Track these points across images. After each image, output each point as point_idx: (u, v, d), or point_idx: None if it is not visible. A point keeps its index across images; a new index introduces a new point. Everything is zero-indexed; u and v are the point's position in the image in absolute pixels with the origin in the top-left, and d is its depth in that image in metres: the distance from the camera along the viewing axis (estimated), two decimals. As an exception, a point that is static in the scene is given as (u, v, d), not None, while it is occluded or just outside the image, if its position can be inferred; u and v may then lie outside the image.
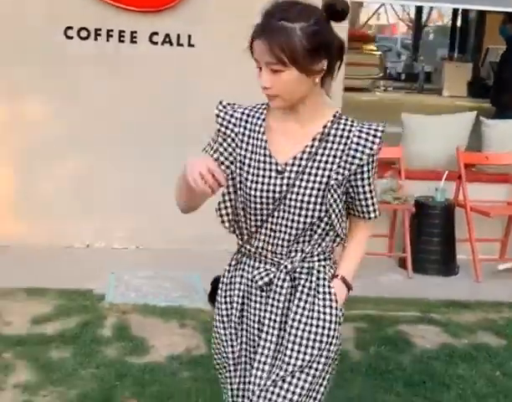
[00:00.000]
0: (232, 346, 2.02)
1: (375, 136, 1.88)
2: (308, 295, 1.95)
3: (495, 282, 4.95)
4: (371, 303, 4.39)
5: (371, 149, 1.87)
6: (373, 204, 1.97)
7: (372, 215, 1.98)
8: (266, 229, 1.93)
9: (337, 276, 2.00)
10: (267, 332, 1.94)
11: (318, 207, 1.87)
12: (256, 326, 1.98)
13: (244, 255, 2.00)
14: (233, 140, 1.93)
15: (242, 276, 2.00)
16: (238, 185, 1.92)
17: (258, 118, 1.94)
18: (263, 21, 1.81)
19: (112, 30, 4.84)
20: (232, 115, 1.94)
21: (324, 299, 1.96)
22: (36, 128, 4.88)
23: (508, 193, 5.43)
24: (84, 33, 4.82)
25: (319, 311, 1.95)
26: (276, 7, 1.81)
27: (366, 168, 1.89)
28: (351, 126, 1.89)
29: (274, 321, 1.94)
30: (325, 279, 1.97)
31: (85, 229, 5.04)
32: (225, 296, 2.02)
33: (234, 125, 1.94)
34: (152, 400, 3.24)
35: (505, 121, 5.74)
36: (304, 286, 1.95)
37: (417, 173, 5.30)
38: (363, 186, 1.91)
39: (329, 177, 1.87)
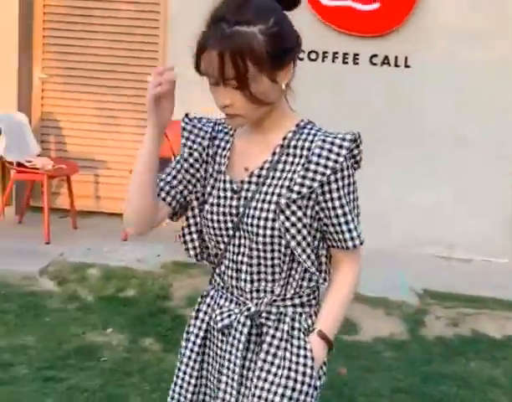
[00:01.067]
0: (187, 390, 1.76)
1: (340, 146, 1.58)
2: (277, 348, 1.64)
3: None
4: None
5: (336, 162, 1.57)
6: (350, 230, 1.61)
7: (350, 244, 1.62)
8: (228, 259, 1.67)
9: (313, 330, 1.66)
10: (226, 383, 1.67)
11: (276, 232, 1.59)
12: (216, 374, 1.72)
13: (213, 287, 1.76)
14: (200, 155, 1.70)
15: (205, 313, 1.75)
16: (203, 212, 1.69)
17: (227, 132, 1.72)
18: (212, 28, 1.52)
19: (337, 53, 5.51)
20: (200, 129, 1.73)
21: (297, 355, 1.63)
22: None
23: None
24: (313, 56, 5.54)
25: (289, 370, 1.62)
26: (226, 8, 1.51)
27: (334, 186, 1.58)
28: (314, 135, 1.61)
29: (233, 371, 1.65)
30: (300, 330, 1.65)
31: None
32: (187, 331, 1.79)
33: (203, 138, 1.71)
34: (359, 371, 3.83)
35: None
36: (272, 337, 1.65)
37: None
38: (334, 208, 1.59)
39: (287, 202, 1.58)
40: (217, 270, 1.73)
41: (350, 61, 5.51)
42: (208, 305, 1.77)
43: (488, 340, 4.27)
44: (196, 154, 1.72)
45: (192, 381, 1.75)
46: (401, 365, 3.93)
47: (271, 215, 1.59)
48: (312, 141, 1.61)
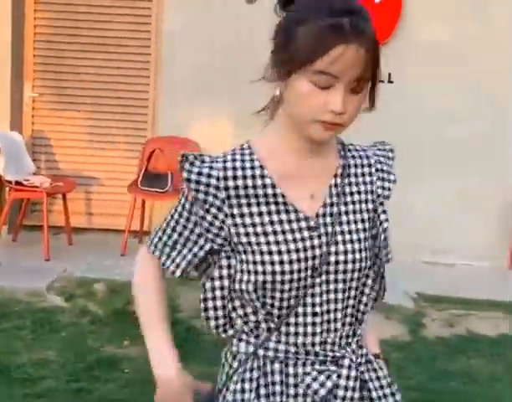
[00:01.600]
0: None
1: (392, 158, 1.56)
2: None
3: None
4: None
5: (394, 175, 1.54)
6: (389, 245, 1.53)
7: (390, 256, 1.56)
8: (304, 314, 1.37)
9: (378, 356, 1.51)
10: None
11: (367, 255, 1.41)
12: None
13: (266, 359, 1.39)
14: (220, 209, 1.38)
15: (274, 394, 1.38)
16: (251, 263, 1.36)
17: (252, 167, 1.39)
18: (343, 17, 1.26)
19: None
20: (209, 175, 1.38)
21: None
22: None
23: None
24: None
25: None
26: (352, 2, 1.31)
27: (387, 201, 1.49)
28: (363, 150, 1.52)
29: None
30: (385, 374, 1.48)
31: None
32: None
33: (217, 188, 1.38)
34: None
35: None
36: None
37: None
38: (383, 222, 1.48)
39: (368, 212, 1.44)
40: (278, 335, 1.39)
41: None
42: (269, 384, 1.39)
43: (484, 339, 4.53)
44: (213, 210, 1.38)
45: None
46: (407, 364, 4.15)
47: (362, 239, 1.42)
48: (367, 157, 1.50)
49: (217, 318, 1.43)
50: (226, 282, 1.41)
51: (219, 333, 1.44)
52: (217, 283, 1.42)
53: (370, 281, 1.43)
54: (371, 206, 1.45)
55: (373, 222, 1.45)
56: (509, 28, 5.66)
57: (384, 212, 1.47)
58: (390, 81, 5.74)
